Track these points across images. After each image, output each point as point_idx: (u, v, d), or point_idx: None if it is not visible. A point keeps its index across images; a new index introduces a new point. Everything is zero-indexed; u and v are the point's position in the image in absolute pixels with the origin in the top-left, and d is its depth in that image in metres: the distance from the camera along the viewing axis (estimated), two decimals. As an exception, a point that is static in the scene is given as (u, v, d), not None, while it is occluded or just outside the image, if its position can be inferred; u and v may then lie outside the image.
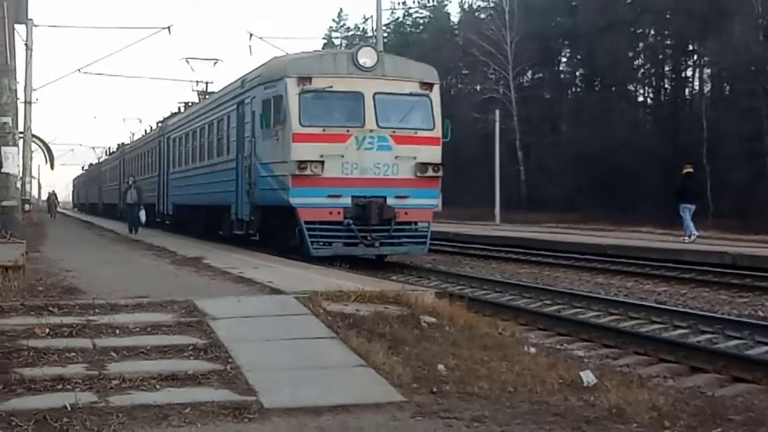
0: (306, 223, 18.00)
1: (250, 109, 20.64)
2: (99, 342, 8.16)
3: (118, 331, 8.55)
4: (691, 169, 27.85)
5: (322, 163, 17.98)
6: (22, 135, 31.16)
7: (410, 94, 19.29)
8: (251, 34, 34.22)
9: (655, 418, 6.21)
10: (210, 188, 25.22)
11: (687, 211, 26.09)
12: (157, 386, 6.89)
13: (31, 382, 6.87)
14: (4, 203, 17.41)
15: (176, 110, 38.62)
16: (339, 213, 18.12)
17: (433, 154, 19.30)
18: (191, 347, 8.04)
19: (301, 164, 17.89)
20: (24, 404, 6.36)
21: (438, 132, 19.46)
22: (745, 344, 10.67)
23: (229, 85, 25.27)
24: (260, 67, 21.56)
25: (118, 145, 58.18)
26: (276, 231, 19.98)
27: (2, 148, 16.80)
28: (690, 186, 27.28)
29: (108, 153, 65.39)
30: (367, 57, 18.78)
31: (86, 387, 6.79)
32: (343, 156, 18.17)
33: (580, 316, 13.19)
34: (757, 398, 7.96)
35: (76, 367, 7.32)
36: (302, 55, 21.19)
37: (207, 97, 32.81)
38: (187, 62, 37.14)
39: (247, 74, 22.33)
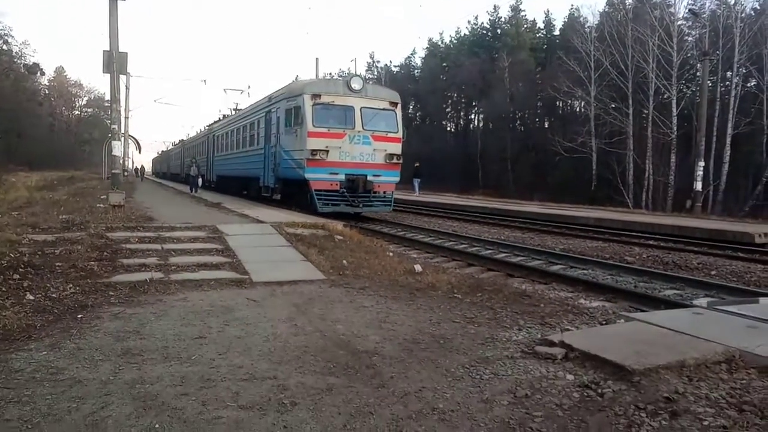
0: (315, 191, 15.78)
1: (276, 115, 18.05)
2: (164, 246, 7.93)
3: (175, 240, 8.32)
4: (418, 164, 31.66)
5: (327, 151, 15.79)
6: (123, 134, 29.62)
7: (383, 109, 16.92)
8: (249, 86, 32.77)
9: (449, 288, 6.37)
10: (244, 165, 22.15)
11: (416, 182, 31.52)
12: (196, 270, 6.77)
13: (127, 267, 6.68)
14: (113, 171, 16.64)
15: (218, 119, 35.61)
16: (337, 185, 15.85)
17: (397, 148, 16.98)
18: (214, 250, 7.88)
19: (313, 152, 15.72)
20: (123, 278, 6.19)
21: (400, 134, 17.18)
22: (494, 252, 11.01)
23: (258, 101, 22.18)
24: (283, 87, 18.85)
25: (180, 140, 55.18)
26: (293, 195, 17.48)
27: (112, 141, 15.99)
28: (417, 172, 31.90)
29: (173, 144, 62.11)
30: (356, 83, 16.45)
31: (157, 270, 6.63)
32: (340, 147, 15.97)
33: (414, 237, 13.32)
34: (499, 280, 8.26)
35: (152, 259, 7.13)
36: (314, 80, 18.29)
37: (238, 110, 28.91)
38: (225, 92, 35.24)
39: (273, 93, 19.45)
